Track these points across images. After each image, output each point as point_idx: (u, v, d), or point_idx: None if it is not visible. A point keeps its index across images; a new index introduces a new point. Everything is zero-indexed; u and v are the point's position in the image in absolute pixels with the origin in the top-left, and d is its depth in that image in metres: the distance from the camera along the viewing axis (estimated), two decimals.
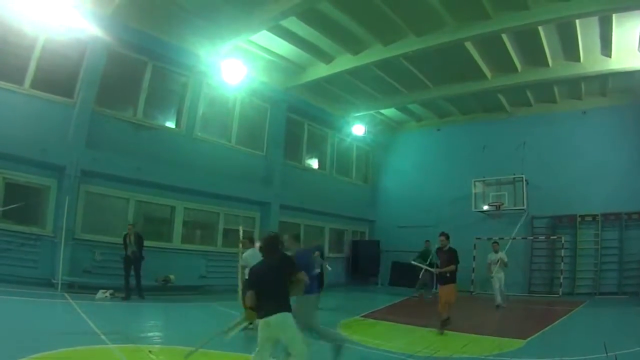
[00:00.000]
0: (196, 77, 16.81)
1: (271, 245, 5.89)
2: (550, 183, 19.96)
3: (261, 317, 5.43)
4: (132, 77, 14.99)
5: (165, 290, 14.45)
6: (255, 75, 17.54)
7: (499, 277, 15.39)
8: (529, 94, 20.31)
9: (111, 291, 12.56)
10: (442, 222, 19.79)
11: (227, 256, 16.56)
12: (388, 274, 23.53)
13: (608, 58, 16.03)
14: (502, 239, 19.13)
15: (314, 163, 23.41)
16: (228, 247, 17.45)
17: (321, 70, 18.00)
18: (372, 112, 23.22)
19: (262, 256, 6.01)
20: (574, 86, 19.14)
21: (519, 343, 9.24)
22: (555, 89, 19.65)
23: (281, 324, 5.35)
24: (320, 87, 19.93)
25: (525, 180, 20.20)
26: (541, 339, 9.84)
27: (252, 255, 9.32)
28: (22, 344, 6.48)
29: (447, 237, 10.59)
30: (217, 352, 6.90)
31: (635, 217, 18.28)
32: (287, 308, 5.44)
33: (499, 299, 15.06)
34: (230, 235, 17.85)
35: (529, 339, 9.68)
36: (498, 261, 15.43)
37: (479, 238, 19.93)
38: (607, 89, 19.11)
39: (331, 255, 22.83)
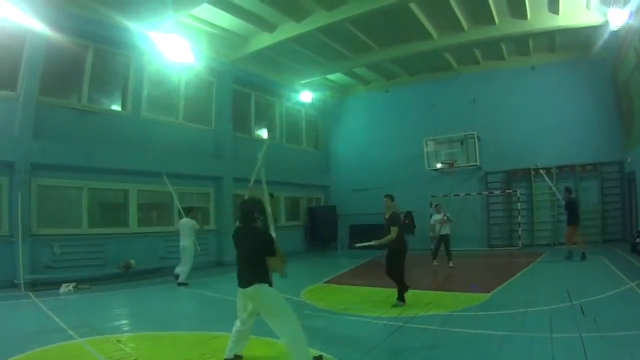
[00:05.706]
0: (138, 56, 16.79)
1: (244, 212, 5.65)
2: (502, 139, 21.04)
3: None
4: (74, 62, 14.88)
5: (128, 276, 14.79)
6: (199, 50, 17.60)
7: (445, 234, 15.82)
8: (476, 52, 21.07)
9: (74, 284, 12.80)
10: (396, 183, 20.59)
11: None
12: (347, 238, 24.24)
13: (556, 15, 16.92)
14: (457, 195, 20.29)
15: (263, 133, 23.74)
16: None
17: (265, 39, 18.33)
18: (318, 78, 23.68)
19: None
20: (522, 43, 20.00)
21: (483, 297, 9.78)
22: (503, 46, 20.45)
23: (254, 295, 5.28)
24: (265, 56, 20.18)
25: (477, 137, 21.28)
26: (504, 292, 10.42)
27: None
28: None
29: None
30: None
31: (589, 168, 19.64)
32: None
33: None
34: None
35: (492, 292, 10.29)
36: (444, 217, 15.76)
37: (434, 196, 20.79)
38: (556, 45, 20.05)
39: (288, 223, 23.76)
